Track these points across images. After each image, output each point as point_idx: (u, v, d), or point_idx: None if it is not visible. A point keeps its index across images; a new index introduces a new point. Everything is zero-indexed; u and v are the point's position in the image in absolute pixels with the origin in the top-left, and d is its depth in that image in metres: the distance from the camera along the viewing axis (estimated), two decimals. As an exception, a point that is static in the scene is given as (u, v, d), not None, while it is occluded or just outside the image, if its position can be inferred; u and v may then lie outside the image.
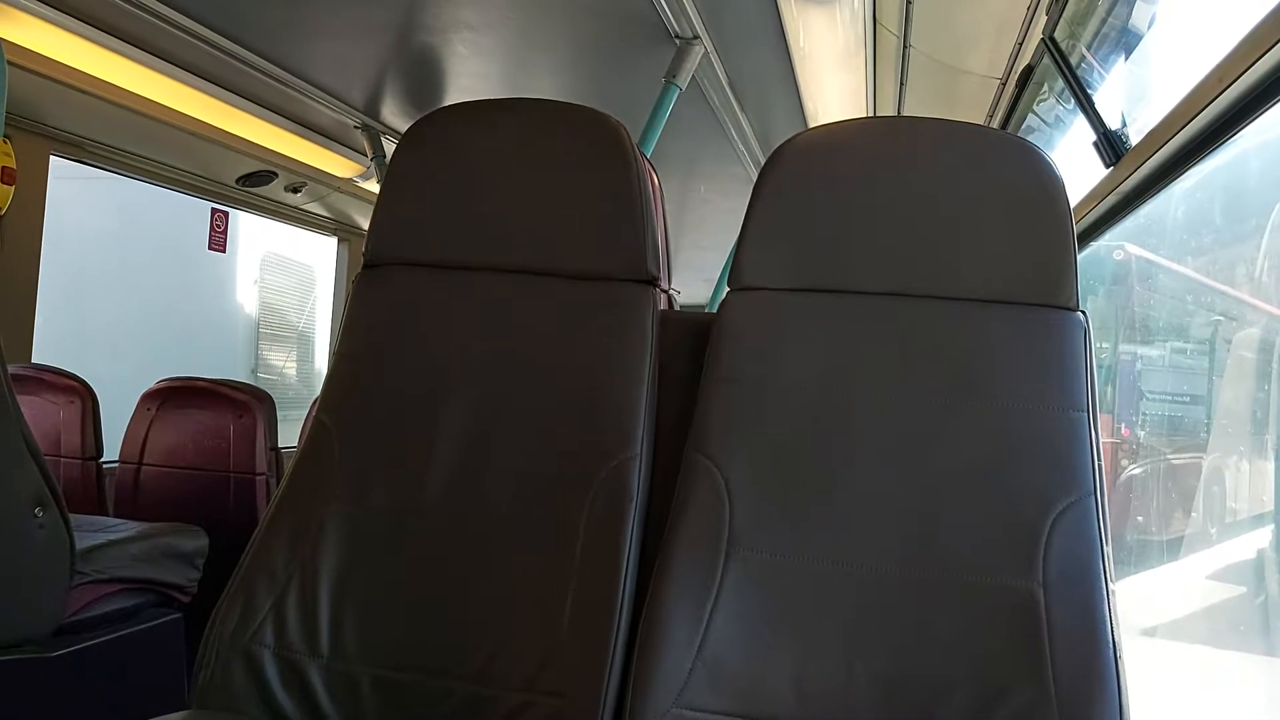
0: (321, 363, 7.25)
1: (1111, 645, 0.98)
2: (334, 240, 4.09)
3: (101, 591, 1.86)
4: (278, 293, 6.97)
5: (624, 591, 1.07)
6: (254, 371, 6.74)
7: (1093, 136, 1.82)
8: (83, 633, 1.79)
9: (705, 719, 1.00)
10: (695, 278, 5.87)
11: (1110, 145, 1.74)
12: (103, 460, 2.58)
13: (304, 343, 7.36)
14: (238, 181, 3.23)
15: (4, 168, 1.59)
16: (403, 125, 3.22)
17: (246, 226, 6.56)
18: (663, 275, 1.29)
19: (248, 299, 6.70)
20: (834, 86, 2.98)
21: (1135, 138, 1.73)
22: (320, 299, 7.23)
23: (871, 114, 3.32)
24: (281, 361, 7.05)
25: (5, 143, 1.60)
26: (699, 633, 1.03)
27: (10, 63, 1.68)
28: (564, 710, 1.02)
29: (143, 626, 1.94)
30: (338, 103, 2.96)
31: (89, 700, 1.77)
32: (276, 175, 3.28)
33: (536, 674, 1.05)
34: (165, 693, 1.97)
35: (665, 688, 1.01)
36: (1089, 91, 1.90)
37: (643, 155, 1.28)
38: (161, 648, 1.98)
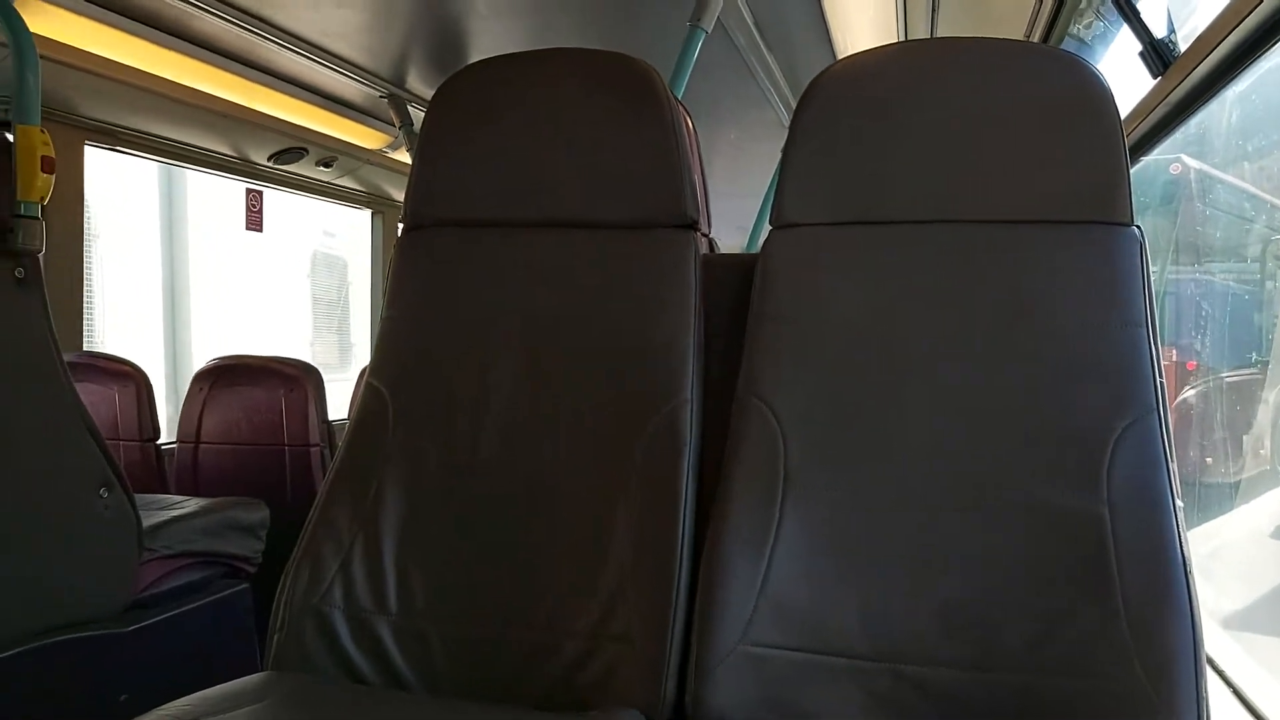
0: (105, 334, 5.83)
1: (1182, 562, 0.97)
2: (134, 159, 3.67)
3: (170, 566, 1.91)
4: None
5: (683, 535, 1.07)
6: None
7: (1138, 48, 1.76)
8: (154, 607, 1.85)
9: (772, 655, 1.01)
10: (730, 225, 5.81)
11: (1157, 54, 1.68)
12: (160, 441, 2.64)
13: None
14: (269, 159, 3.25)
15: (44, 157, 1.60)
16: (429, 92, 3.20)
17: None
18: (703, 219, 1.28)
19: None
20: (863, 17, 2.90)
21: (1184, 45, 1.66)
22: (120, 250, 5.62)
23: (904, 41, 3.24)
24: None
25: (43, 133, 1.62)
26: (760, 571, 1.03)
27: (41, 56, 1.69)
28: (631, 654, 1.03)
29: (212, 598, 1.99)
30: (363, 73, 2.96)
31: (164, 672, 1.82)
32: (307, 151, 3.29)
33: (602, 620, 1.06)
34: (238, 660, 2.02)
35: (730, 627, 1.02)
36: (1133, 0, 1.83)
37: (676, 99, 1.26)
38: (231, 618, 2.03)
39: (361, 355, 5.64)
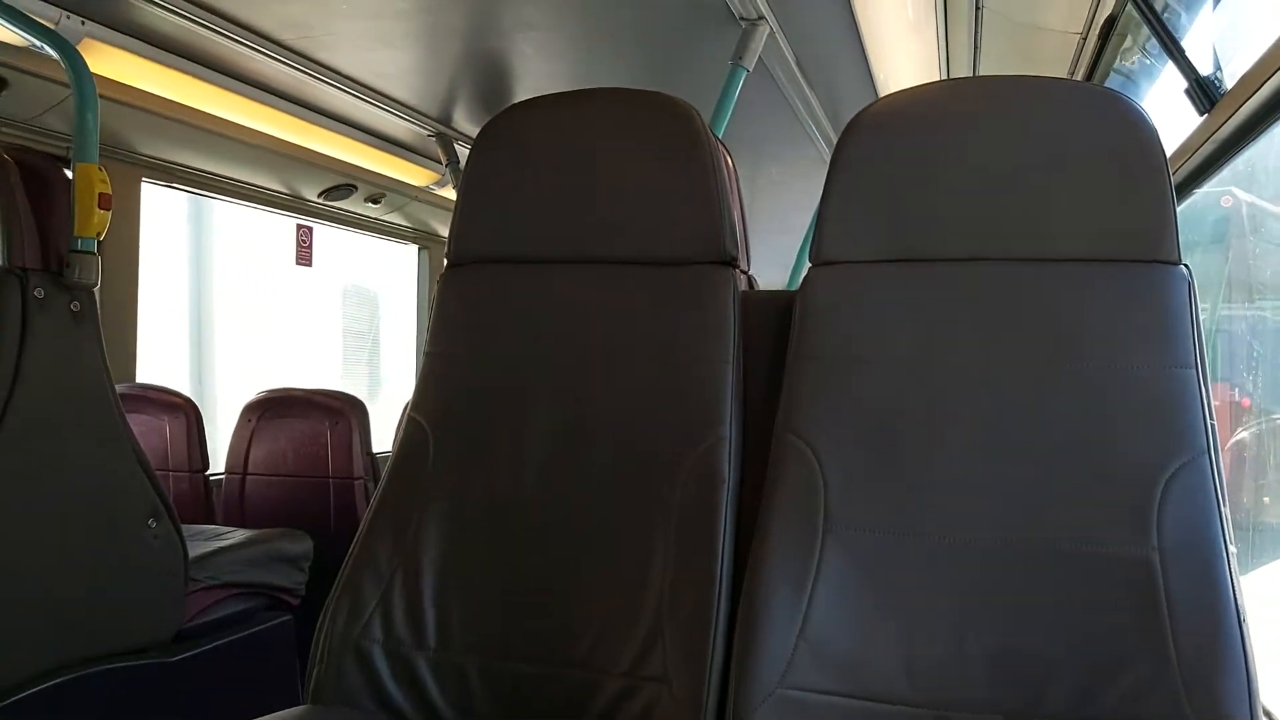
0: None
1: (1235, 611, 0.94)
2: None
3: (216, 597, 1.93)
4: None
5: (721, 574, 1.06)
6: None
7: (1183, 85, 1.74)
8: (200, 638, 1.87)
9: (812, 699, 0.99)
10: (773, 263, 5.81)
11: (1203, 91, 1.66)
12: (209, 473, 2.68)
13: None
14: (320, 195, 3.31)
15: (101, 194, 1.65)
16: (475, 130, 3.25)
17: None
18: (742, 256, 1.28)
19: None
20: (905, 56, 2.91)
21: (1230, 82, 1.65)
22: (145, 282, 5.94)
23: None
24: None
25: (101, 170, 1.67)
26: (800, 612, 1.02)
27: (101, 95, 1.75)
28: (669, 694, 1.02)
29: (256, 629, 2.00)
30: (412, 113, 3.01)
31: (206, 703, 1.83)
32: (356, 188, 3.35)
33: (640, 659, 1.05)
34: (280, 692, 2.03)
35: (769, 669, 1.00)
36: (1177, 37, 1.82)
37: (715, 136, 1.27)
38: (274, 649, 2.05)
39: (390, 388, 5.69)
